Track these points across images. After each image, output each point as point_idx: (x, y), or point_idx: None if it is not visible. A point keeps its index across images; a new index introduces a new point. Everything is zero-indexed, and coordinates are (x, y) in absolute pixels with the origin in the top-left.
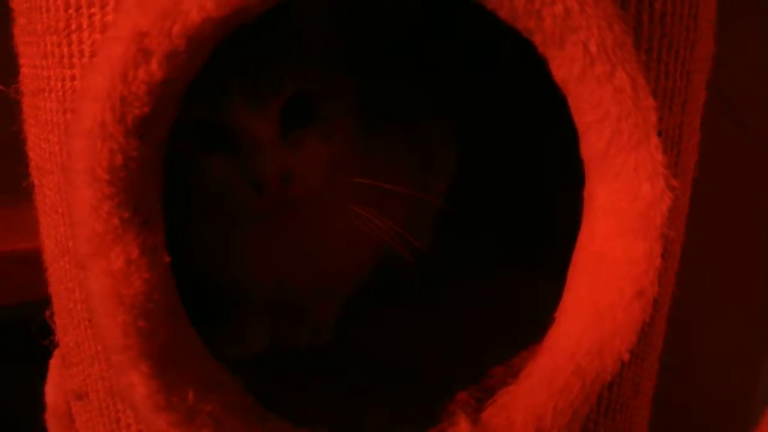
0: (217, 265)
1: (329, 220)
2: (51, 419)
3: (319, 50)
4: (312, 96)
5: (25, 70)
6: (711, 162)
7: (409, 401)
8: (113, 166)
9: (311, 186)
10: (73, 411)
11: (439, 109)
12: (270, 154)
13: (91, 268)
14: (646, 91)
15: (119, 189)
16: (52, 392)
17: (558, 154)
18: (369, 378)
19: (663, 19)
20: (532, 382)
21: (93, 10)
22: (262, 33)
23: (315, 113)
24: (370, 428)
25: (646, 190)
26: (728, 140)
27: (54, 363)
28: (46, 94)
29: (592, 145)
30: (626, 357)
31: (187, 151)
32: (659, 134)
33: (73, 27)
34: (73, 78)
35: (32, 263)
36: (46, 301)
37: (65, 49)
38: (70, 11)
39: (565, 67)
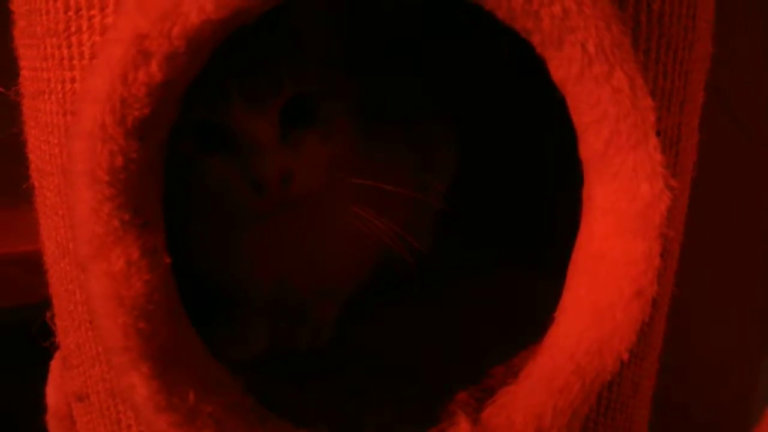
0: (217, 265)
1: (329, 220)
2: (52, 421)
3: (319, 51)
4: (312, 96)
5: (25, 73)
6: (709, 162)
7: (409, 401)
8: (113, 167)
9: (311, 187)
10: (74, 412)
11: (438, 109)
12: (270, 155)
13: (91, 270)
14: (645, 91)
15: (119, 190)
16: (53, 394)
17: (557, 154)
18: (369, 378)
19: (661, 20)
20: (532, 381)
21: (93, 12)
22: (262, 34)
23: (315, 114)
24: (370, 428)
25: (644, 190)
26: (727, 140)
27: (55, 365)
28: (46, 96)
29: (590, 145)
30: (626, 356)
31: (187, 152)
32: (658, 134)
33: (73, 29)
34: (73, 80)
35: (32, 265)
36: (46, 303)
37: (65, 51)
38: (70, 13)
39: (564, 68)
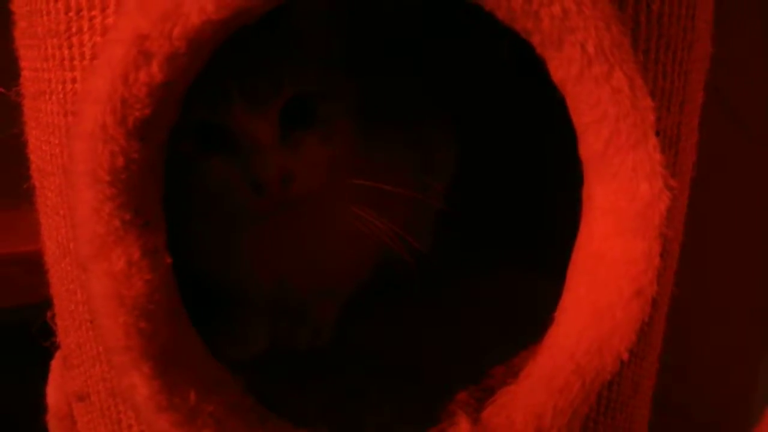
0: (217, 265)
1: (329, 221)
2: (52, 421)
3: (319, 51)
4: (312, 97)
5: (25, 73)
6: (709, 162)
7: (409, 401)
8: (114, 168)
9: (311, 187)
10: (75, 412)
11: (438, 109)
12: (270, 156)
13: (92, 270)
14: (644, 91)
15: (120, 191)
16: (53, 394)
17: (557, 154)
18: (369, 378)
19: (660, 20)
20: (532, 381)
21: (93, 12)
22: (262, 35)
23: (315, 115)
24: (370, 428)
25: (644, 189)
26: (726, 140)
27: (55, 364)
28: (47, 97)
29: (590, 146)
30: (625, 356)
31: (187, 152)
32: (657, 134)
33: (74, 30)
34: (74, 80)
35: (33, 265)
36: (46, 303)
37: (66, 52)
38: (71, 14)
39: (563, 68)
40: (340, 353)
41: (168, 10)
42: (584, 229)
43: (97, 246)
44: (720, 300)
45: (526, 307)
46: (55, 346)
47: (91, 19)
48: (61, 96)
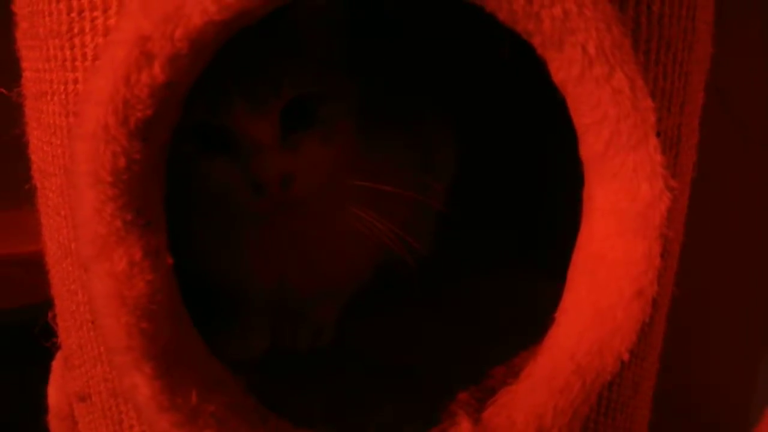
0: (218, 266)
1: (329, 222)
2: (53, 421)
3: (320, 52)
4: (312, 98)
5: (27, 74)
6: (709, 162)
7: (409, 401)
8: (116, 168)
9: (311, 188)
10: (76, 413)
11: (438, 109)
12: (270, 157)
13: (94, 270)
14: (645, 92)
15: (122, 191)
16: (54, 394)
17: (558, 154)
18: (370, 378)
19: (661, 21)
20: (533, 381)
21: (95, 13)
22: (262, 36)
23: (315, 115)
24: (371, 428)
25: (645, 190)
26: (726, 141)
27: (56, 365)
28: (49, 98)
29: (591, 146)
30: (626, 356)
31: (188, 153)
32: (658, 135)
33: (76, 31)
34: (75, 81)
35: (34, 266)
36: (47, 304)
37: (68, 53)
38: (73, 15)
39: (564, 69)
40: (340, 353)
41: (170, 12)
42: (585, 229)
43: (98, 246)
44: (720, 300)
45: (527, 308)
46: (56, 347)
47: (93, 20)
48: (63, 97)
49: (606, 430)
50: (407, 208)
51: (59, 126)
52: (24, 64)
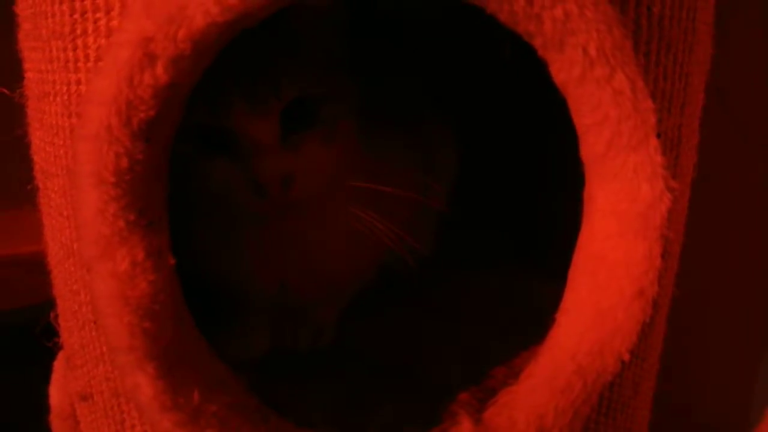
0: (219, 266)
1: (330, 222)
2: (55, 421)
3: (321, 53)
4: (313, 99)
5: (29, 75)
6: (710, 163)
7: (410, 401)
8: (119, 169)
9: (312, 189)
10: (78, 412)
11: (439, 110)
12: (271, 158)
13: (96, 270)
14: (645, 93)
15: (125, 192)
16: (56, 394)
17: (558, 155)
18: (371, 378)
19: (661, 23)
20: (534, 382)
21: (98, 15)
22: (263, 37)
23: (316, 116)
24: (372, 428)
25: (645, 191)
26: (727, 142)
27: (58, 365)
28: (51, 98)
29: (591, 147)
30: (627, 357)
31: (189, 154)
32: (658, 136)
33: (79, 32)
34: (78, 82)
35: (35, 266)
36: (49, 304)
37: (70, 54)
38: (76, 16)
39: (565, 70)
40: (342, 353)
41: (173, 13)
42: (585, 230)
43: (101, 247)
44: (720, 300)
45: (527, 308)
46: (58, 347)
47: (95, 21)
48: (66, 98)
49: (607, 430)
50: (408, 208)
51: (62, 127)
52: (26, 65)
